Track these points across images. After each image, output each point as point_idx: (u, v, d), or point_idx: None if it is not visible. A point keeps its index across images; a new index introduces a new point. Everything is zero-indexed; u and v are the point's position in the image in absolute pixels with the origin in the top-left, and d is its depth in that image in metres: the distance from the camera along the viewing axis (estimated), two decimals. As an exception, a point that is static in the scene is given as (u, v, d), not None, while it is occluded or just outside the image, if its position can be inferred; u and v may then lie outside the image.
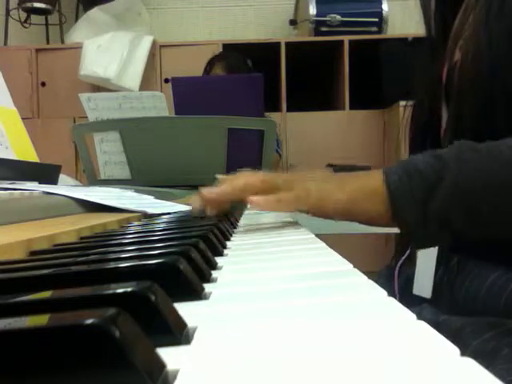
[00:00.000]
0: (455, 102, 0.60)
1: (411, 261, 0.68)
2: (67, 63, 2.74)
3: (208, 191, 0.57)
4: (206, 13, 3.21)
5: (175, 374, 0.16)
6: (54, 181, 0.85)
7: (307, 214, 0.55)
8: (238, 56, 2.35)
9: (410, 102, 0.71)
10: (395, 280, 0.68)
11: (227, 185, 0.57)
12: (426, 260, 0.65)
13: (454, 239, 0.50)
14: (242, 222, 0.72)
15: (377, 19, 2.76)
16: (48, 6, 2.85)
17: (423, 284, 0.65)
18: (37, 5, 2.82)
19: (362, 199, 0.51)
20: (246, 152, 1.31)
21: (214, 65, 2.33)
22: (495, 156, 0.47)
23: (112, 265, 0.27)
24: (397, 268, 0.68)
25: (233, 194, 0.56)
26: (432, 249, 0.64)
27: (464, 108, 0.58)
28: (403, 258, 0.68)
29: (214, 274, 0.32)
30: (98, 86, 2.71)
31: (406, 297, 0.67)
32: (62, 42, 2.92)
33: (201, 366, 0.17)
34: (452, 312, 0.59)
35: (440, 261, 0.64)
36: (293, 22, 2.96)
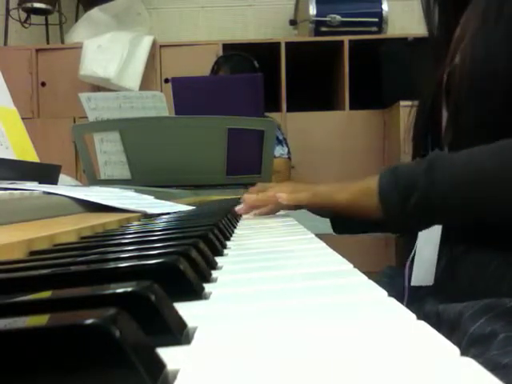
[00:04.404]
0: (454, 103, 0.63)
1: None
2: (67, 63, 2.74)
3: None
4: (206, 13, 3.21)
5: (175, 373, 0.16)
6: (54, 181, 0.85)
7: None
8: (244, 57, 2.35)
9: (415, 103, 0.75)
10: (406, 278, 0.69)
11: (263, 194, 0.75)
12: (427, 249, 0.66)
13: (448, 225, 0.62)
14: (243, 222, 0.72)
15: (377, 19, 2.75)
16: (48, 6, 2.84)
17: (425, 273, 0.66)
18: (37, 5, 2.81)
19: (360, 196, 0.63)
20: (246, 152, 1.31)
21: (221, 65, 2.33)
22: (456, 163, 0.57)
23: (112, 265, 0.27)
24: (407, 266, 0.69)
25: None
26: (434, 237, 0.67)
27: (462, 109, 0.62)
28: (411, 256, 0.69)
29: (214, 273, 0.32)
30: (98, 86, 2.70)
31: (412, 293, 0.68)
32: (62, 42, 2.92)
33: (201, 365, 0.17)
34: (455, 300, 0.59)
35: (442, 250, 0.65)
36: (293, 22, 2.95)
